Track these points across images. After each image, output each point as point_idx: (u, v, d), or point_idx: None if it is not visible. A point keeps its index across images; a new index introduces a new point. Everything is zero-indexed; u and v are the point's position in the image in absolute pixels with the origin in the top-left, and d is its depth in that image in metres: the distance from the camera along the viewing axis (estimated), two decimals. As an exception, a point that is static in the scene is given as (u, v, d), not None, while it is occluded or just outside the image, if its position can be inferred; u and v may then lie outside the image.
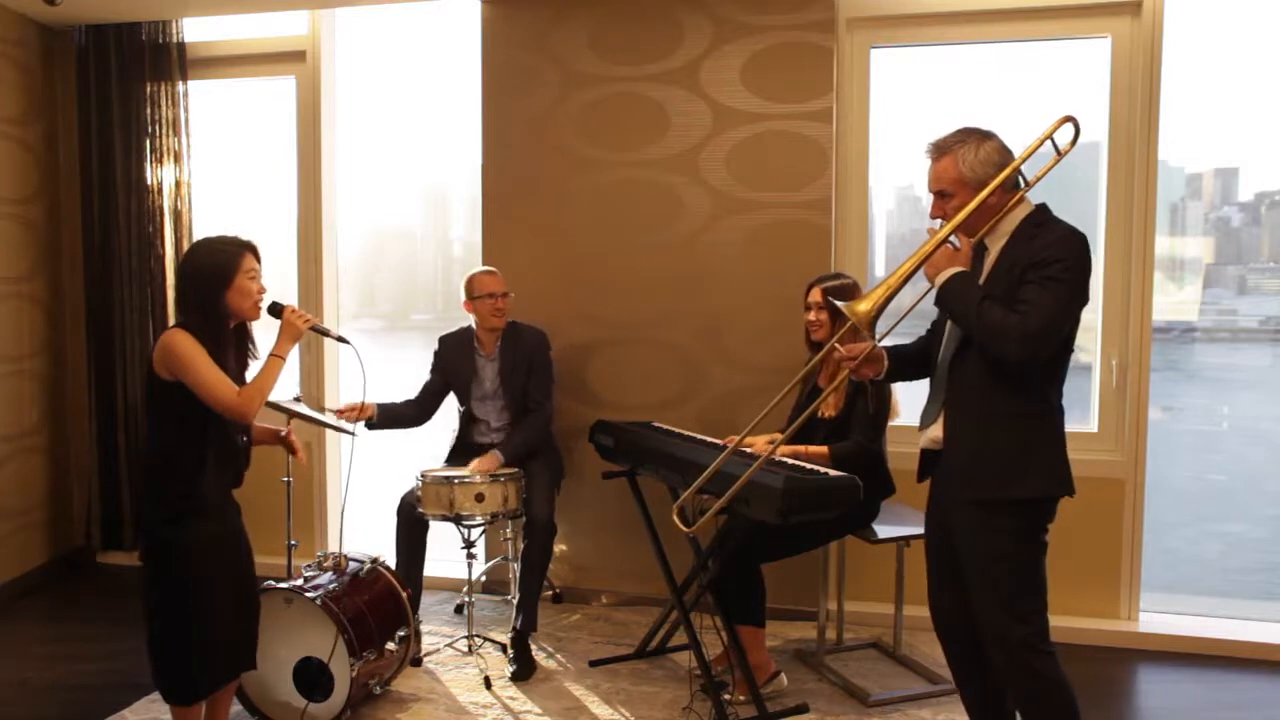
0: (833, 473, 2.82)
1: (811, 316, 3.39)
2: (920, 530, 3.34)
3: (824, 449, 3.22)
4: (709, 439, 3.40)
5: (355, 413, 3.58)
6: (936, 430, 2.43)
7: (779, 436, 3.36)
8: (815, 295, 3.38)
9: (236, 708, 2.99)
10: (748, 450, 3.19)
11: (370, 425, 3.70)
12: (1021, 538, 2.33)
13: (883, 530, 3.33)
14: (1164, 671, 3.62)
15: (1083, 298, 2.28)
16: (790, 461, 3.01)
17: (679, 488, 3.23)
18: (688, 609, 3.27)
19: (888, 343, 2.55)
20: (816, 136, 3.95)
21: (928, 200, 2.47)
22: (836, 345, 2.48)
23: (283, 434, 2.92)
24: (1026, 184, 2.37)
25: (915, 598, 3.76)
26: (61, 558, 4.81)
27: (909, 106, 4.16)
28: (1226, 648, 3.73)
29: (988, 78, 4.19)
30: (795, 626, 3.91)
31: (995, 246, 2.37)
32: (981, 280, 2.36)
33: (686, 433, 3.54)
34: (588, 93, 4.16)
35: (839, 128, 3.99)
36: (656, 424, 3.70)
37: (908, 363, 2.60)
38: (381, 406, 3.74)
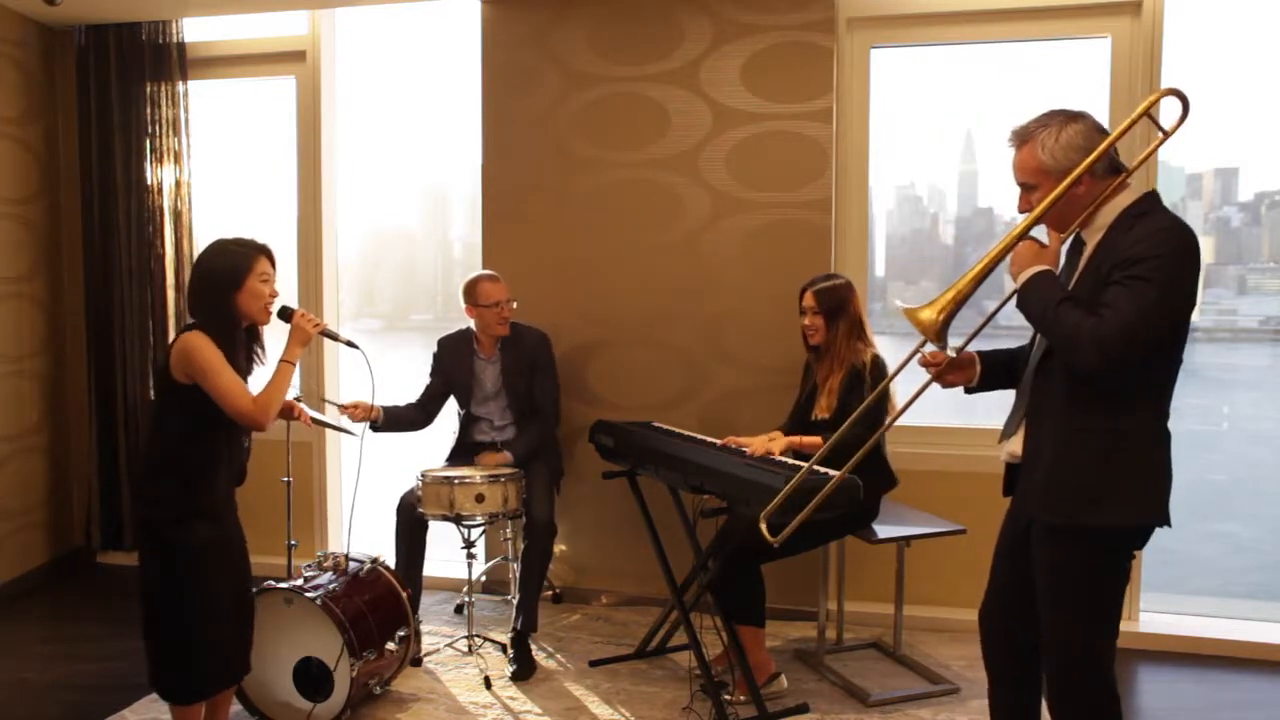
0: (833, 472, 2.82)
1: (806, 321, 3.37)
2: (921, 530, 3.37)
3: (818, 439, 3.21)
4: (709, 439, 3.40)
5: (362, 412, 3.58)
6: (1015, 444, 2.22)
7: (777, 434, 3.37)
8: (808, 299, 3.36)
9: (236, 707, 2.99)
10: (744, 450, 3.19)
11: (375, 428, 3.70)
12: (1097, 567, 2.13)
13: (883, 530, 3.32)
14: (1164, 671, 3.62)
15: (1178, 300, 2.00)
16: (791, 462, 3.01)
17: (679, 488, 3.24)
18: (688, 609, 3.27)
19: (976, 347, 2.31)
20: (816, 136, 3.94)
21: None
22: (923, 351, 2.24)
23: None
24: (1127, 169, 2.10)
25: (915, 598, 3.77)
26: (61, 558, 4.81)
27: (909, 106, 4.16)
28: (1226, 648, 3.72)
29: (988, 78, 4.19)
30: (795, 626, 3.91)
31: (1092, 241, 2.12)
32: (1074, 278, 2.13)
33: (687, 433, 3.54)
34: (588, 93, 4.16)
35: (839, 128, 3.99)
36: (657, 424, 3.71)
37: (1005, 369, 2.33)
38: (386, 410, 3.75)
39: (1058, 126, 2.09)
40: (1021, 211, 2.16)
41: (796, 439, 3.27)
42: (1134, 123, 2.08)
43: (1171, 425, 2.21)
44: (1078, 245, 2.20)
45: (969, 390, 2.39)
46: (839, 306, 3.32)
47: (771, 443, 3.22)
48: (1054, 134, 2.08)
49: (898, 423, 3.45)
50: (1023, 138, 2.13)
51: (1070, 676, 2.19)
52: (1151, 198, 2.10)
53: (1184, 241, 2.00)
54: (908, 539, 3.37)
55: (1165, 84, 3.71)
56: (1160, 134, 2.13)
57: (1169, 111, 2.11)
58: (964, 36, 3.97)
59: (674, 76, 4.06)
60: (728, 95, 4.01)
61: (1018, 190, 2.18)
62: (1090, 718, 2.20)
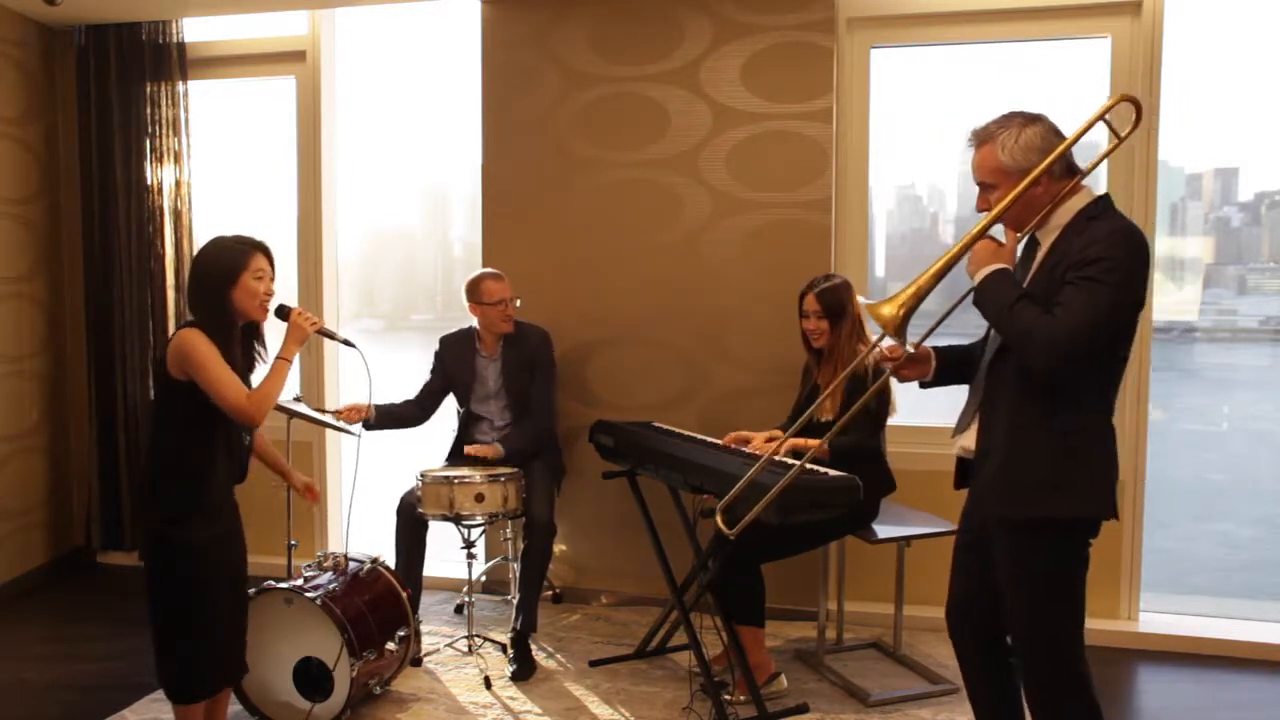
0: (832, 472, 2.82)
1: (810, 325, 3.36)
2: (921, 530, 3.37)
3: (821, 443, 3.20)
4: (709, 439, 3.40)
5: (355, 414, 3.60)
6: (969, 439, 2.28)
7: (779, 434, 3.37)
8: (811, 303, 3.34)
9: (236, 707, 3.00)
10: (747, 450, 3.19)
11: (368, 426, 3.70)
12: (1055, 559, 2.17)
13: (883, 530, 3.33)
14: (1164, 671, 3.62)
15: (1128, 301, 2.06)
16: (791, 461, 3.01)
17: (679, 488, 3.24)
18: (688, 609, 3.27)
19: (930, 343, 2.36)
20: (816, 136, 3.95)
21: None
22: (880, 346, 2.32)
23: (298, 484, 3.02)
24: (1082, 171, 2.16)
25: (915, 598, 3.77)
26: (61, 558, 4.81)
27: (909, 106, 4.16)
28: (1226, 648, 3.73)
29: (988, 78, 4.19)
30: (795, 626, 3.91)
31: (1047, 241, 2.17)
32: (1029, 278, 2.18)
33: (686, 433, 3.54)
34: (588, 93, 4.16)
35: (839, 128, 3.99)
36: (657, 424, 3.71)
37: (959, 365, 2.39)
38: (380, 407, 3.75)
39: (1017, 128, 2.14)
40: (980, 210, 2.21)
41: (801, 441, 3.23)
42: (1090, 126, 2.14)
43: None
44: (1032, 245, 2.24)
45: (924, 385, 2.45)
46: (841, 307, 3.32)
47: (772, 442, 3.22)
48: (1014, 135, 2.13)
49: (898, 423, 3.50)
50: (983, 138, 2.18)
51: (1042, 669, 2.23)
52: (1104, 201, 2.15)
53: (1136, 244, 2.06)
54: (908, 539, 3.37)
55: (1165, 84, 3.74)
56: (1114, 139, 2.18)
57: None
58: (964, 36, 3.97)
59: (674, 76, 4.06)
60: (728, 95, 4.01)
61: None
62: (1066, 708, 2.23)
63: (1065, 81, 4.09)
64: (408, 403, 3.92)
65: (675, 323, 4.13)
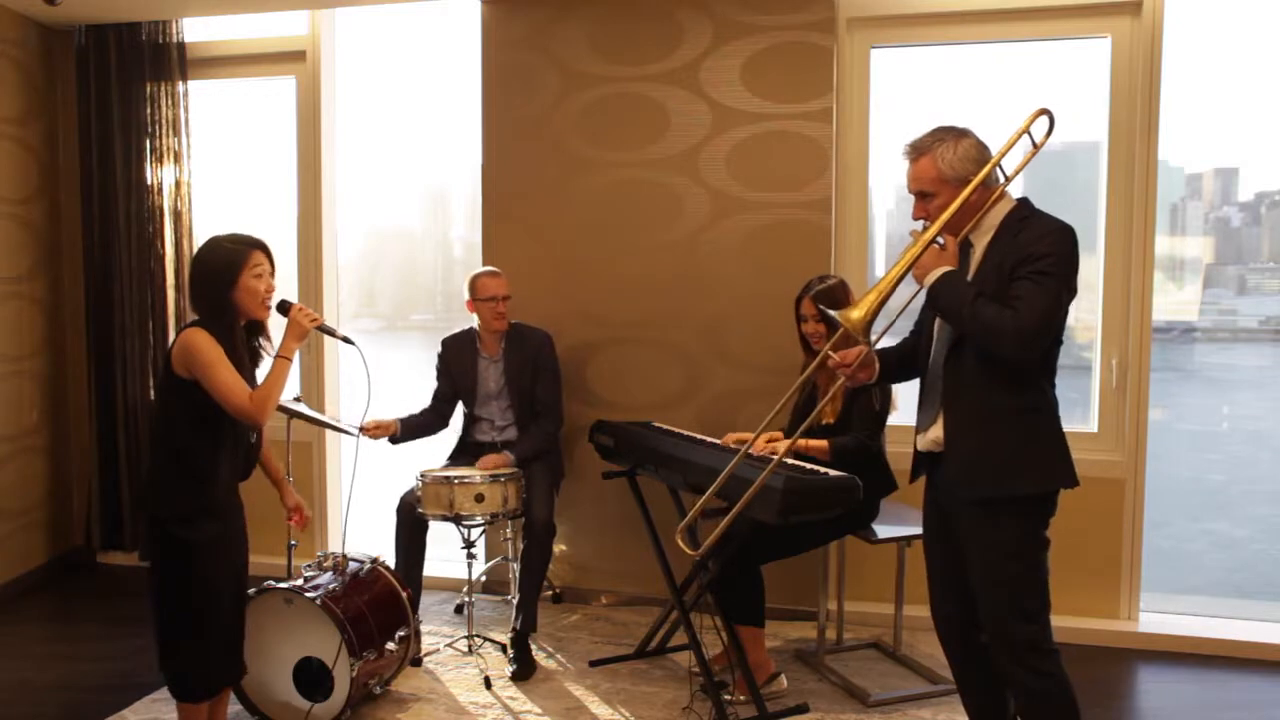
0: (832, 473, 2.82)
1: (810, 329, 3.35)
2: (920, 530, 3.35)
3: (824, 443, 3.22)
4: (709, 439, 3.40)
5: (381, 431, 3.62)
6: (937, 431, 2.40)
7: (778, 435, 3.37)
8: (808, 307, 3.32)
9: (236, 707, 3.00)
10: (750, 452, 3.18)
11: (394, 440, 3.73)
12: (1025, 534, 2.32)
13: (883, 530, 3.33)
14: (1164, 671, 3.62)
15: (1072, 291, 2.27)
16: (791, 462, 3.01)
17: (679, 488, 3.24)
18: (688, 609, 3.27)
19: (880, 345, 2.52)
20: (816, 136, 3.95)
21: None
22: (830, 353, 2.46)
23: (289, 503, 2.95)
24: (1006, 178, 2.36)
25: (915, 598, 3.76)
26: (61, 558, 4.81)
27: (909, 106, 4.16)
28: (1226, 648, 3.73)
29: (988, 78, 4.19)
30: (795, 626, 3.91)
31: (980, 243, 2.36)
32: (969, 277, 2.35)
33: (686, 433, 3.54)
34: (588, 93, 4.16)
35: (839, 128, 3.99)
36: (656, 424, 3.71)
37: (897, 364, 2.59)
38: (403, 421, 3.77)
39: (953, 140, 2.33)
40: (917, 218, 2.39)
41: (802, 442, 3.23)
42: (1018, 138, 2.33)
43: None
44: (964, 248, 2.40)
45: (867, 387, 2.68)
46: (839, 308, 3.30)
47: (772, 443, 3.21)
48: (951, 147, 2.32)
49: (899, 422, 3.49)
50: (920, 150, 2.36)
51: (1016, 650, 2.33)
52: (1027, 203, 2.35)
53: (1073, 241, 2.26)
54: (908, 539, 3.37)
55: (1164, 84, 3.75)
56: (1033, 147, 2.35)
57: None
58: (964, 36, 3.98)
59: (674, 76, 4.06)
60: (728, 95, 4.01)
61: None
62: (1044, 685, 2.32)
63: (1065, 81, 4.09)
64: (425, 411, 3.94)
65: (675, 323, 4.13)
